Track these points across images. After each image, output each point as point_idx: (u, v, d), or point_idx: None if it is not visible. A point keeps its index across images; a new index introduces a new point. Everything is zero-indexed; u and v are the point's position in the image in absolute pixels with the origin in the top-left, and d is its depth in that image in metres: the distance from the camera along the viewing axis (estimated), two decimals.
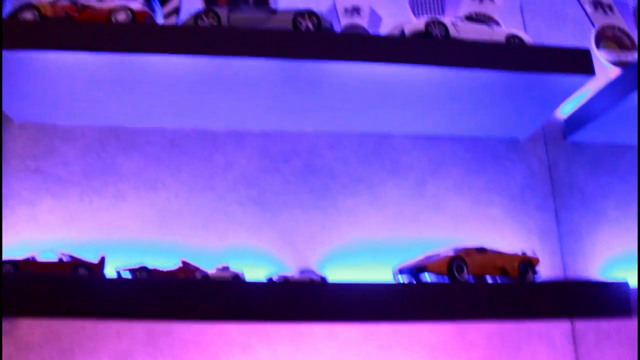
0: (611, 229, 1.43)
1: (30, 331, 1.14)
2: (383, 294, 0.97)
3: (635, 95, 1.23)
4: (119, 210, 1.28)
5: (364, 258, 1.30)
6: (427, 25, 1.17)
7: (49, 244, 1.23)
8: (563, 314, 1.01)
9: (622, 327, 1.35)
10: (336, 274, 1.26)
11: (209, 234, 1.27)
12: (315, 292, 0.96)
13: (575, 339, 1.32)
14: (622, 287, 1.06)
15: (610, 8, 1.54)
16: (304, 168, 1.36)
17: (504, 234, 1.37)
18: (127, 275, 1.05)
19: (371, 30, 1.40)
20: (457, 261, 1.08)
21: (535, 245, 1.38)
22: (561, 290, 1.04)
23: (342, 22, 1.39)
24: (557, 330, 1.31)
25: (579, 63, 1.18)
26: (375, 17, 1.42)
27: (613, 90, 1.31)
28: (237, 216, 1.30)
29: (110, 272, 1.14)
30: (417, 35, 1.17)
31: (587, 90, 1.47)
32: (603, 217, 1.44)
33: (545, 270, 1.34)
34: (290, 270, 1.25)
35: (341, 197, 1.35)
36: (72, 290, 0.91)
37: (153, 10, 1.21)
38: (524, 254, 1.18)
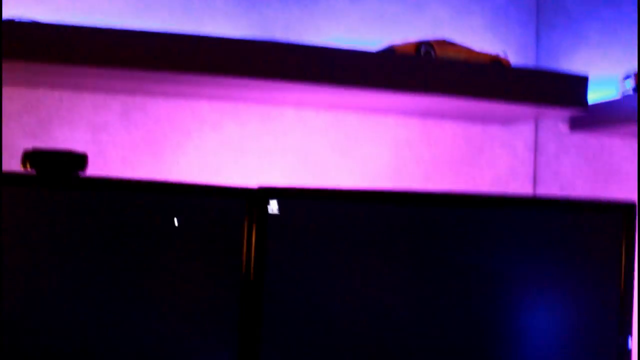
0: (590, 52, 1.42)
1: (11, 100, 1.17)
2: (357, 60, 1.00)
3: None
4: None
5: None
6: None
7: None
8: (526, 98, 1.05)
9: (582, 144, 1.39)
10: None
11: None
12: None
13: (536, 149, 1.37)
14: (582, 79, 1.09)
15: None
16: None
17: (481, 44, 1.37)
18: None
19: None
20: (426, 46, 1.09)
21: (511, 58, 1.38)
22: (527, 76, 1.07)
23: None
24: (519, 139, 1.36)
25: None
26: None
27: None
28: None
29: None
30: None
31: None
32: (585, 40, 1.43)
33: None
34: None
35: None
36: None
37: None
38: (497, 55, 1.19)
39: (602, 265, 0.95)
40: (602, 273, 0.95)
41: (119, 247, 0.97)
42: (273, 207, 0.99)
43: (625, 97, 1.18)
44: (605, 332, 0.93)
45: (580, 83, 1.11)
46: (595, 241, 0.95)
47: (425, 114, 1.29)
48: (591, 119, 1.29)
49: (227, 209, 1.00)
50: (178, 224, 0.98)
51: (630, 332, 0.92)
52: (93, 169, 1.06)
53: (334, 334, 0.98)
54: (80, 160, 0.98)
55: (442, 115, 1.29)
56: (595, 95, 1.23)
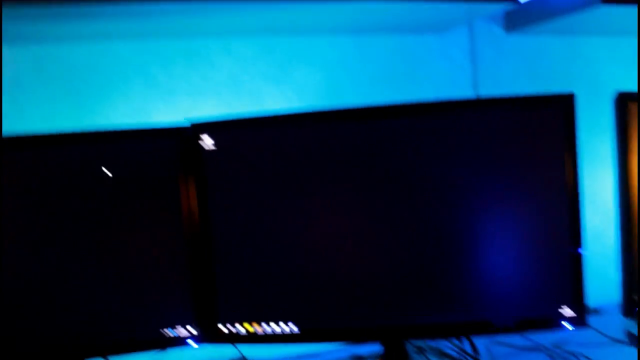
0: None
1: None
2: None
3: None
4: None
5: None
6: None
7: None
8: None
9: (518, 45, 1.36)
10: None
11: None
12: None
13: (473, 55, 1.34)
14: None
15: None
16: None
17: None
18: None
19: None
20: None
21: None
22: None
23: None
24: (455, 47, 1.32)
25: None
26: None
27: None
28: None
29: None
30: None
31: None
32: None
33: None
34: None
35: None
36: None
37: None
38: None
39: (548, 159, 0.93)
40: (548, 168, 0.94)
41: (51, 207, 0.91)
42: (207, 142, 0.94)
43: None
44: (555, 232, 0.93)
45: None
46: (539, 137, 0.93)
47: (357, 30, 1.23)
48: (525, 17, 1.27)
49: (158, 151, 0.95)
50: (110, 175, 0.93)
51: (579, 229, 0.92)
52: (9, 127, 0.99)
53: (290, 267, 0.95)
54: None
55: (373, 29, 1.23)
56: None
